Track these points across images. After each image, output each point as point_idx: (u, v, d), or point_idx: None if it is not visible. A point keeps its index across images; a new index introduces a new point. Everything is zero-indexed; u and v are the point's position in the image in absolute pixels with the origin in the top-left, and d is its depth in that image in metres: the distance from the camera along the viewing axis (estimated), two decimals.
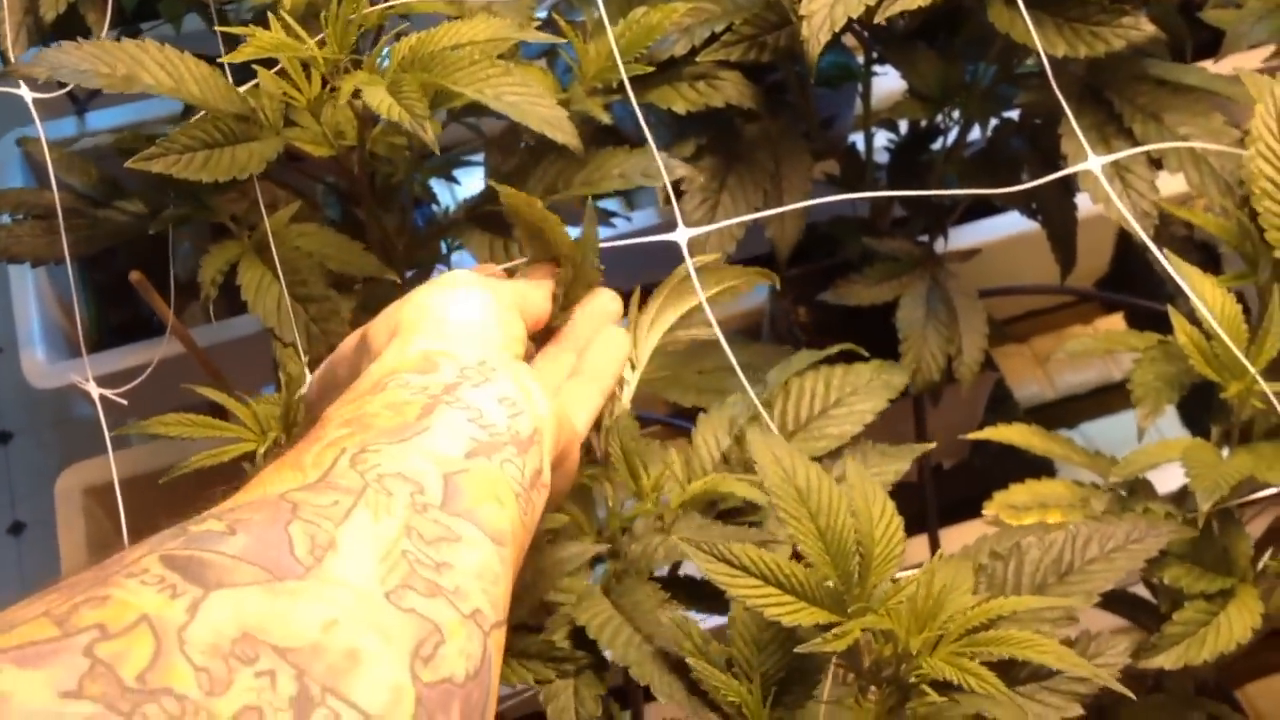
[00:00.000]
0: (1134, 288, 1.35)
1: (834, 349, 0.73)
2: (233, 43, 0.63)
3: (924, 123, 0.96)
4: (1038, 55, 0.83)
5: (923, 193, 0.88)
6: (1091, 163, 0.69)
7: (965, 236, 1.16)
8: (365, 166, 0.72)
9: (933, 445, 0.72)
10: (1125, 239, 1.42)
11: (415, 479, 0.40)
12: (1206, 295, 0.59)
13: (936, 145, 0.97)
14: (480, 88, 0.62)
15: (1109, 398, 1.37)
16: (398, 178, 0.76)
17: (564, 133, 0.62)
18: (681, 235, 0.67)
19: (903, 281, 0.91)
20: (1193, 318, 0.64)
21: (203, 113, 0.66)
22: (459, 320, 0.50)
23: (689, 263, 0.65)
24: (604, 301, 0.59)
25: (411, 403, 0.44)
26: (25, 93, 0.70)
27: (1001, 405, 1.24)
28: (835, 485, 0.58)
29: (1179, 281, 0.61)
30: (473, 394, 0.45)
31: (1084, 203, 1.25)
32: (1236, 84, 0.80)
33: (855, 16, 0.62)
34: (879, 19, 0.63)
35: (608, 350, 0.58)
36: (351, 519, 0.38)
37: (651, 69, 0.72)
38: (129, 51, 0.64)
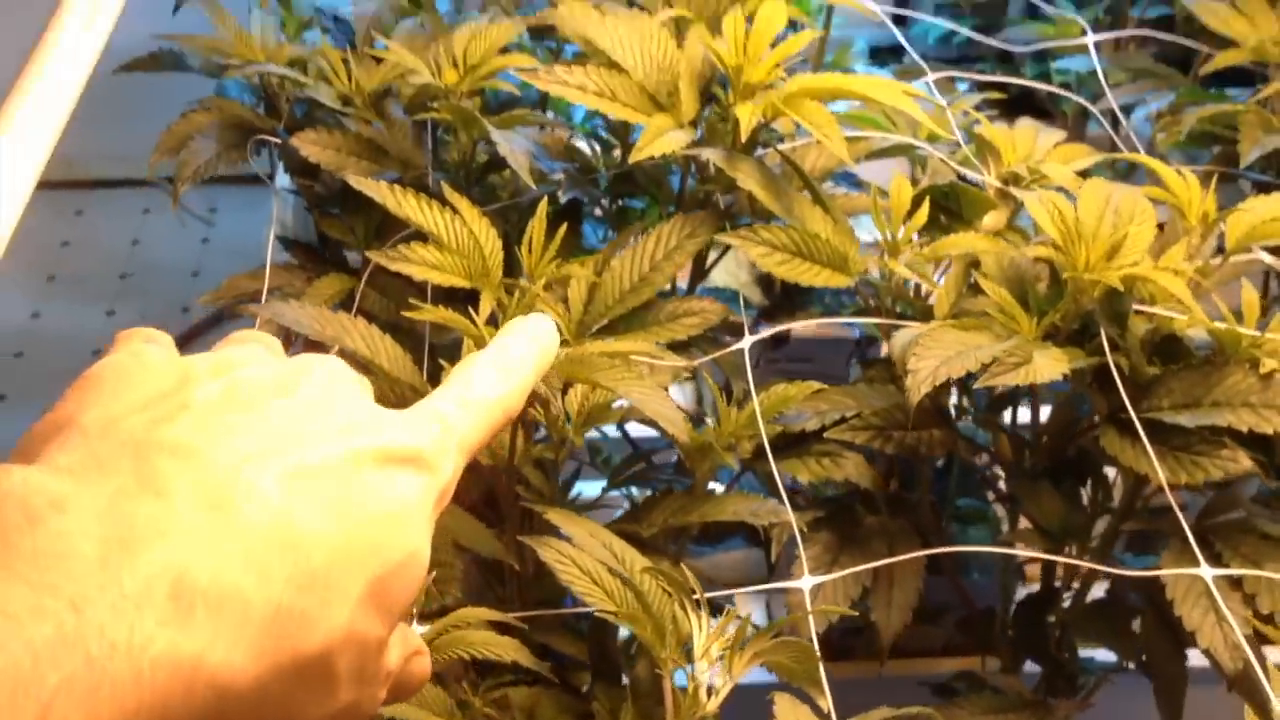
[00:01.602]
0: None
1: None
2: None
3: (1056, 581, 0.99)
4: (1151, 497, 0.87)
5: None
6: (1203, 571, 0.72)
7: None
8: (511, 483, 0.80)
9: None
10: None
11: None
12: None
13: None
14: (614, 383, 0.71)
15: None
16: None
17: (673, 425, 0.70)
18: (806, 583, 0.75)
19: (1007, 718, 0.91)
20: None
21: None
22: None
23: (809, 609, 0.72)
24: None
25: None
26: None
27: None
28: None
29: None
30: None
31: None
32: None
33: (955, 378, 0.70)
34: (977, 385, 0.70)
35: (520, 330, 0.46)
36: None
37: (779, 429, 0.81)
38: (340, 320, 0.77)
